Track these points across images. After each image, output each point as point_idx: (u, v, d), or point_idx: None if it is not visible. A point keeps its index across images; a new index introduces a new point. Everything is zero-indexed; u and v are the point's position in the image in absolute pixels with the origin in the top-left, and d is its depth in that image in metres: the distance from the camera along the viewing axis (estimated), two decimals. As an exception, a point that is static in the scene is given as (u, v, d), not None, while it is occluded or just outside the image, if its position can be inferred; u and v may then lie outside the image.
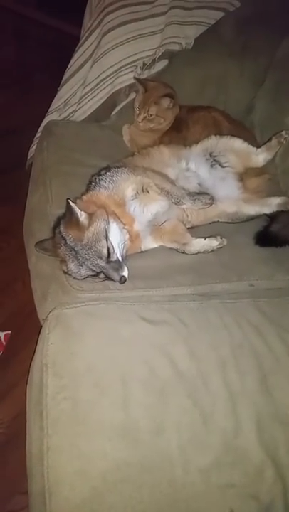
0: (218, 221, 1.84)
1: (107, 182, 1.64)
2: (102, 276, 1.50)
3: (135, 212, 1.63)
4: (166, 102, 2.16)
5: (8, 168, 2.89)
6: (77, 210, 1.47)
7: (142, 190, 1.64)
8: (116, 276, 1.46)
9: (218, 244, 1.67)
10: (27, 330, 2.11)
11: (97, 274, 1.50)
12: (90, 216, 1.49)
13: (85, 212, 1.49)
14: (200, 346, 1.33)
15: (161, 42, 2.42)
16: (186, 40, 2.43)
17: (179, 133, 2.17)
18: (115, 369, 1.24)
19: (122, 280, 1.47)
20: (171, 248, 1.69)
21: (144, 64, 2.44)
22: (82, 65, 2.49)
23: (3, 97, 3.72)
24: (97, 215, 1.50)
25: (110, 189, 1.62)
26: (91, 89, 2.47)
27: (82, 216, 1.48)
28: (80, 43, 2.54)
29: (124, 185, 1.63)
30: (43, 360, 1.25)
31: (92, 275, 1.50)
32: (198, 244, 1.67)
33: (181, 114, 2.23)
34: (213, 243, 1.66)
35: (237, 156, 1.89)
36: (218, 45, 2.36)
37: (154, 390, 1.22)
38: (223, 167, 1.87)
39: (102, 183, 1.64)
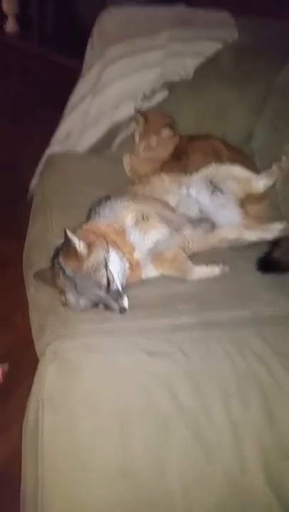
0: (219, 247, 1.81)
1: (107, 211, 1.64)
2: (101, 307, 1.47)
3: (135, 240, 1.61)
4: (166, 132, 2.17)
5: (9, 201, 2.89)
6: (75, 239, 1.45)
7: (142, 218, 1.62)
8: (116, 306, 1.43)
9: (220, 271, 1.64)
10: (26, 363, 2.03)
11: (96, 305, 1.47)
12: (90, 245, 1.47)
13: (84, 241, 1.47)
14: (202, 378, 1.28)
15: (161, 73, 2.46)
16: (186, 71, 2.47)
17: (179, 161, 2.18)
18: (114, 405, 1.20)
19: (122, 310, 1.43)
20: (172, 276, 1.66)
21: (145, 95, 2.47)
22: (83, 98, 2.54)
23: (6, 130, 3.79)
24: (96, 244, 1.48)
25: (110, 218, 1.61)
26: (92, 121, 2.50)
27: (81, 246, 1.46)
28: (81, 76, 2.59)
29: (123, 213, 1.62)
30: (39, 397, 1.20)
31: (91, 306, 1.47)
32: (200, 271, 1.64)
33: (181, 142, 2.24)
34: (215, 270, 1.64)
35: (237, 182, 1.89)
36: (217, 75, 2.39)
37: (155, 427, 1.17)
38: (224, 194, 1.86)
39: (102, 212, 1.64)
